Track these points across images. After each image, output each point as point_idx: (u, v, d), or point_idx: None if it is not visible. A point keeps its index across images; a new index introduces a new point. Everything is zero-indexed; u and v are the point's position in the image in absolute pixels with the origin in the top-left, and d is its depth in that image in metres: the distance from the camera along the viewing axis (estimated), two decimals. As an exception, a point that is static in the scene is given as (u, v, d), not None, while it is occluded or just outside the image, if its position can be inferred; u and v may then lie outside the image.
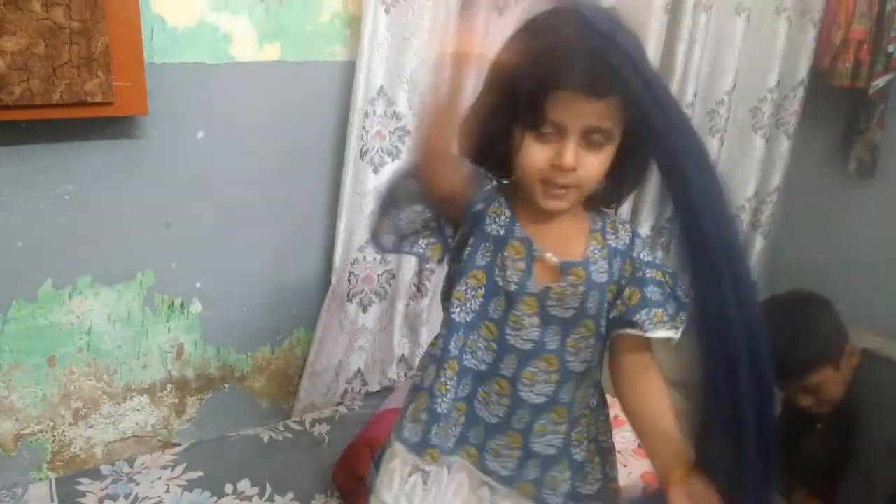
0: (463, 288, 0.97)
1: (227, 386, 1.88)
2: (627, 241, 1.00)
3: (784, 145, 2.65)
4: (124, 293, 1.67)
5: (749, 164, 2.61)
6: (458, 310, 0.97)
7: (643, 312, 0.95)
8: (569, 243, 0.97)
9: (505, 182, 0.98)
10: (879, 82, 2.45)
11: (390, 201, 0.95)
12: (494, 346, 0.97)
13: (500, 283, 0.95)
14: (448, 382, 0.98)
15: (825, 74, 2.54)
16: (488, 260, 0.96)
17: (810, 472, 1.63)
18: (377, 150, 1.82)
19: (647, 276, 0.97)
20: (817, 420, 1.63)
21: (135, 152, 1.58)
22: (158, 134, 1.59)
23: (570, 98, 0.84)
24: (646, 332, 0.94)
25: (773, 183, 2.71)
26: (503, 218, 0.96)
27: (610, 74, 0.82)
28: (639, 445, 1.75)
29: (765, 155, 2.61)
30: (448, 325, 0.98)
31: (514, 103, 0.87)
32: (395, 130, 1.83)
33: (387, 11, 1.71)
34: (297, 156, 1.79)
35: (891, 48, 2.39)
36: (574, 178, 0.89)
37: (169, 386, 1.80)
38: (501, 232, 0.95)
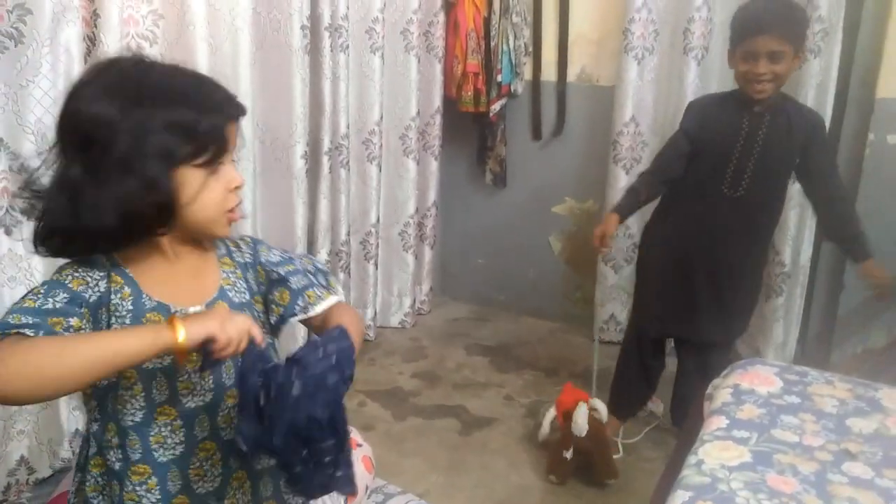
0: (120, 392, 0.92)
1: None
2: (252, 252, 1.05)
3: (433, 165, 3.00)
4: None
5: (406, 185, 2.90)
6: (123, 415, 0.92)
7: (299, 302, 1.02)
8: (204, 282, 0.98)
9: (107, 259, 0.92)
10: (496, 107, 2.92)
11: None
12: (180, 422, 0.94)
13: (150, 366, 0.91)
14: (141, 488, 0.94)
15: (455, 102, 2.94)
16: None
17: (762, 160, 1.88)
18: (6, 210, 1.64)
19: (283, 272, 1.03)
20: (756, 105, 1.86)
21: None
22: None
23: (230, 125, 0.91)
24: (310, 313, 1.02)
25: (430, 199, 3.04)
26: (126, 299, 0.91)
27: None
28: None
29: (418, 176, 2.92)
30: (119, 433, 0.93)
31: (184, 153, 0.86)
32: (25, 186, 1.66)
33: (-5, 58, 1.56)
34: None
35: (499, 78, 2.87)
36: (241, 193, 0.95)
37: None
38: (129, 318, 0.90)
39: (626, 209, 2.06)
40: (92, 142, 0.84)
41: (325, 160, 2.51)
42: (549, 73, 2.93)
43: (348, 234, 2.73)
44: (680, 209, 2.05)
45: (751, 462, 1.23)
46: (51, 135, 1.68)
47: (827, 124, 2.37)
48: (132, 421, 0.92)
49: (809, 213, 2.45)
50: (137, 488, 0.93)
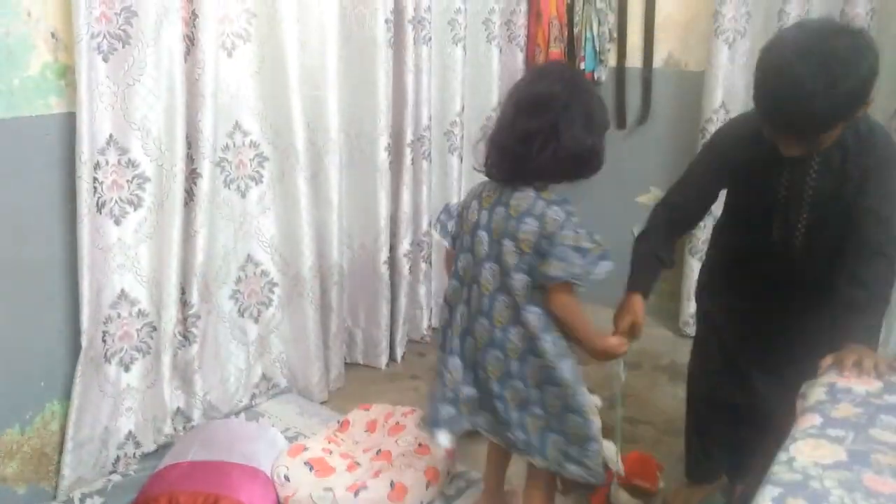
0: None
1: (-29, 481, 1.68)
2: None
3: (514, 156, 2.98)
4: None
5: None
6: None
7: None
8: None
9: None
10: (579, 95, 2.87)
11: None
12: None
13: None
14: None
15: (537, 92, 2.92)
16: None
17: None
18: (116, 201, 1.76)
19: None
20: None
21: None
22: None
23: None
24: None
25: (511, 190, 3.03)
26: None
27: None
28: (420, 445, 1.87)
29: (499, 166, 2.92)
30: None
31: None
32: (133, 179, 1.78)
33: (105, 59, 1.67)
34: (20, 217, 1.66)
35: (582, 66, 2.83)
36: None
37: None
38: None
39: (649, 282, 1.64)
40: (572, 117, 1.40)
41: (407, 152, 2.54)
42: (634, 58, 2.86)
43: (430, 224, 2.76)
44: (728, 258, 1.67)
45: (846, 461, 1.17)
46: (154, 130, 1.79)
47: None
48: None
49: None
50: None
